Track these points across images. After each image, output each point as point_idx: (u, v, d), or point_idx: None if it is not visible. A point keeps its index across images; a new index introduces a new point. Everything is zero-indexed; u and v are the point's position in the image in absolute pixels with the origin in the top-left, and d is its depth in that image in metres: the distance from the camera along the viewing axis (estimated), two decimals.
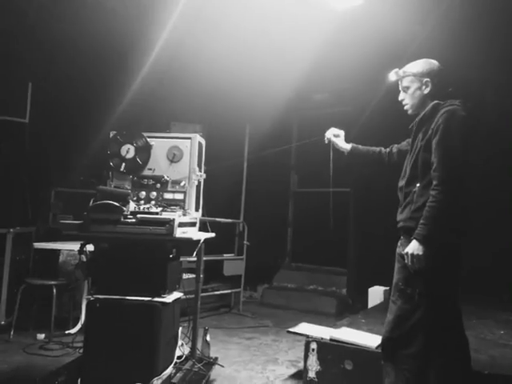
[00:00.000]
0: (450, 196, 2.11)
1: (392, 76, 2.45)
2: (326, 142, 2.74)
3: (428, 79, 2.33)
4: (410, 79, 2.37)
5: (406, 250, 2.18)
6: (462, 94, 2.31)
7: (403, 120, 2.51)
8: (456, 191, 2.13)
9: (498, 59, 4.66)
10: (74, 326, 4.21)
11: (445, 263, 2.17)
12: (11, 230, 4.21)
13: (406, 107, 2.44)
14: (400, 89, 2.45)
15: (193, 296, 3.28)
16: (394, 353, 2.23)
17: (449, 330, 2.19)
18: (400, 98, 2.45)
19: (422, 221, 2.14)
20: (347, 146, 2.70)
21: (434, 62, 2.38)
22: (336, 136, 2.72)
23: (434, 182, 2.13)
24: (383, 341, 2.32)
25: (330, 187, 2.84)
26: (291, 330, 3.51)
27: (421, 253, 2.12)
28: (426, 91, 2.34)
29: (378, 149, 2.69)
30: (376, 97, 5.42)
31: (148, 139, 2.99)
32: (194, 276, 3.46)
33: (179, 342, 3.00)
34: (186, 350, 3.16)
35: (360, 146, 2.72)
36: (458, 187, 2.14)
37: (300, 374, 3.33)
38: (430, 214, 2.11)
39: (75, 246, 3.20)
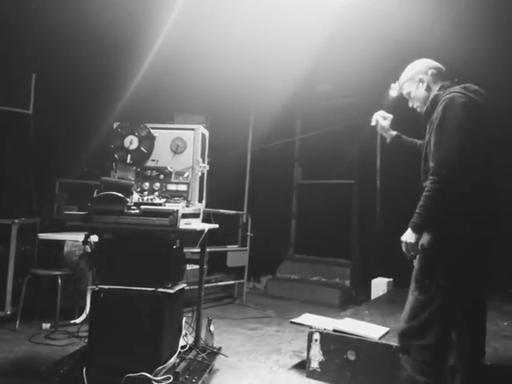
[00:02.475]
0: (443, 184, 2.08)
1: (393, 92, 2.53)
2: (374, 123, 2.68)
3: (421, 76, 2.38)
4: (407, 85, 2.44)
5: (401, 238, 2.20)
6: (473, 80, 2.28)
7: (409, 112, 2.50)
8: (450, 180, 2.08)
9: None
10: (79, 316, 4.24)
11: (462, 255, 2.12)
12: (16, 220, 4.23)
13: (418, 110, 2.45)
14: (407, 98, 2.47)
15: (196, 287, 3.30)
16: (411, 345, 2.20)
17: (465, 322, 2.17)
18: (410, 106, 2.47)
19: (416, 210, 2.15)
20: (392, 132, 2.66)
21: (423, 59, 2.42)
22: (384, 119, 2.65)
23: (430, 172, 2.13)
24: (399, 332, 2.29)
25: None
26: (294, 320, 3.53)
27: (413, 241, 2.14)
28: (425, 86, 2.37)
29: (419, 142, 2.65)
30: (382, 88, 5.37)
31: (150, 129, 3.00)
32: (197, 267, 3.47)
33: (183, 332, 3.03)
34: (190, 339, 3.19)
35: (404, 136, 2.68)
36: (454, 176, 2.08)
37: (303, 364, 3.35)
38: (423, 203, 2.12)
39: (80, 237, 3.22)
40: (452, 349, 2.21)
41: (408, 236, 2.16)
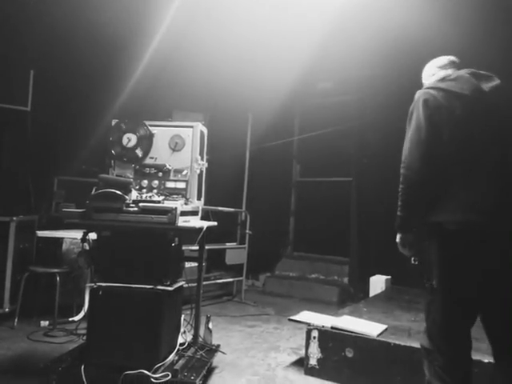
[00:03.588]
0: (409, 184, 2.09)
1: None
2: None
3: (424, 81, 2.40)
4: None
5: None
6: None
7: (407, 110, 2.49)
8: (415, 181, 2.07)
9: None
10: (77, 313, 4.24)
11: (452, 254, 2.07)
12: (14, 218, 4.22)
13: None
14: None
15: (195, 284, 3.30)
16: (428, 350, 2.15)
17: (463, 325, 2.10)
18: None
19: None
20: None
21: (429, 63, 2.42)
22: None
23: None
24: (420, 337, 2.26)
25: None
26: (293, 318, 3.53)
27: (397, 240, 2.19)
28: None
29: None
30: (381, 85, 5.37)
31: (150, 128, 2.99)
32: (196, 264, 3.47)
33: (182, 330, 3.03)
34: (189, 337, 3.19)
35: None
36: (417, 177, 2.07)
37: (301, 362, 3.35)
38: (398, 204, 2.15)
39: (78, 235, 3.21)
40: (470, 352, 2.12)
41: (396, 237, 2.20)
